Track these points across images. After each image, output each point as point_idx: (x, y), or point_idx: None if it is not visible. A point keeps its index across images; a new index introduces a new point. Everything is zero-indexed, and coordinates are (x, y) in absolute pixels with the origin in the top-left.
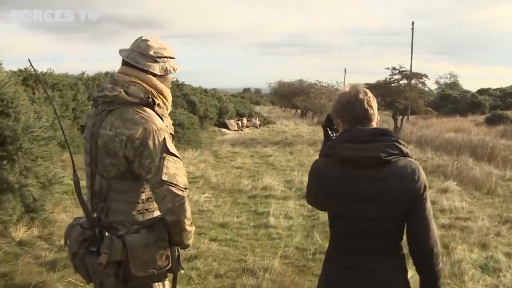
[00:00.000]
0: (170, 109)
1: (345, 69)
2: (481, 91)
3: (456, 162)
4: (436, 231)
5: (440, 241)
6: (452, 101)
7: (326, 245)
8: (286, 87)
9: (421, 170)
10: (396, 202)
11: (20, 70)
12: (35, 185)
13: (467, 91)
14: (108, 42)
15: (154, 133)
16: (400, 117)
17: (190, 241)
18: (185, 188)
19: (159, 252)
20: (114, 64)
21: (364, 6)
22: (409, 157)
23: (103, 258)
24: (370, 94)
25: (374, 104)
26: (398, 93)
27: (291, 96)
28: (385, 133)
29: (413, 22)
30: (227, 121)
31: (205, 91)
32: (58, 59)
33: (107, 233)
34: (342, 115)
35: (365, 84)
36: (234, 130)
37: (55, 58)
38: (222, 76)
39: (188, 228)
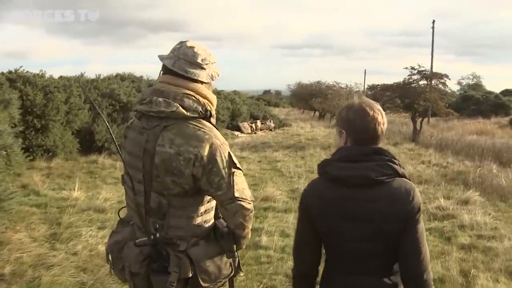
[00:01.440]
0: (214, 114)
1: (365, 70)
2: (505, 92)
3: (479, 168)
4: (428, 256)
5: (459, 267)
6: (474, 102)
7: (321, 272)
8: (304, 88)
9: (417, 192)
10: (388, 223)
11: (9, 72)
12: None
13: (490, 92)
14: (132, 45)
15: (220, 148)
16: (420, 119)
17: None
18: (252, 201)
19: (224, 261)
20: (136, 67)
21: (384, 7)
22: (406, 177)
23: (174, 277)
24: (381, 113)
25: (385, 126)
26: (417, 94)
27: (308, 98)
28: (379, 152)
29: (433, 21)
30: (240, 124)
31: (218, 93)
32: (82, 62)
33: (171, 251)
34: (346, 129)
35: (382, 84)
36: (248, 133)
37: (79, 61)
38: (243, 78)
39: (250, 236)
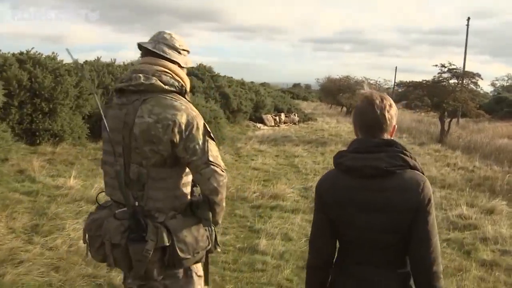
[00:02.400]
0: (189, 92)
1: (396, 67)
2: None
3: (508, 175)
4: (438, 248)
5: None
6: (508, 104)
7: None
8: (332, 83)
9: (428, 184)
10: (399, 214)
11: (20, 53)
12: None
13: None
14: None
15: (196, 118)
16: (448, 119)
17: (221, 219)
18: (225, 170)
19: (201, 233)
20: None
21: (418, 5)
22: (417, 169)
23: (150, 245)
24: (388, 101)
25: (392, 112)
26: (446, 93)
27: (336, 93)
28: (390, 144)
29: (468, 18)
30: (263, 116)
31: (242, 83)
32: (114, 49)
33: (149, 221)
34: (355, 120)
35: (410, 81)
36: (271, 126)
37: (111, 47)
38: (273, 70)
39: (224, 206)
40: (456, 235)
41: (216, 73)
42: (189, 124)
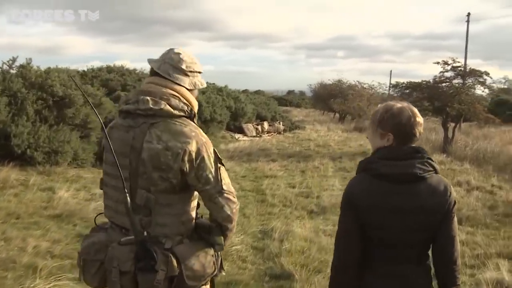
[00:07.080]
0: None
1: (390, 71)
2: None
3: None
4: (459, 244)
5: None
6: (510, 107)
7: None
8: (324, 88)
9: (451, 188)
10: (429, 215)
11: None
12: None
13: None
14: (159, 43)
15: (205, 145)
16: (452, 125)
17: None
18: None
19: (208, 259)
20: None
21: (408, 10)
22: (438, 173)
23: (161, 275)
24: (420, 117)
25: (422, 125)
26: (450, 95)
27: (327, 98)
28: (419, 151)
29: (468, 14)
30: (243, 125)
31: (220, 89)
32: (110, 59)
33: (157, 249)
34: (389, 128)
35: (408, 82)
36: (252, 136)
37: (107, 58)
38: (267, 78)
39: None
40: None
41: None
42: (199, 152)
